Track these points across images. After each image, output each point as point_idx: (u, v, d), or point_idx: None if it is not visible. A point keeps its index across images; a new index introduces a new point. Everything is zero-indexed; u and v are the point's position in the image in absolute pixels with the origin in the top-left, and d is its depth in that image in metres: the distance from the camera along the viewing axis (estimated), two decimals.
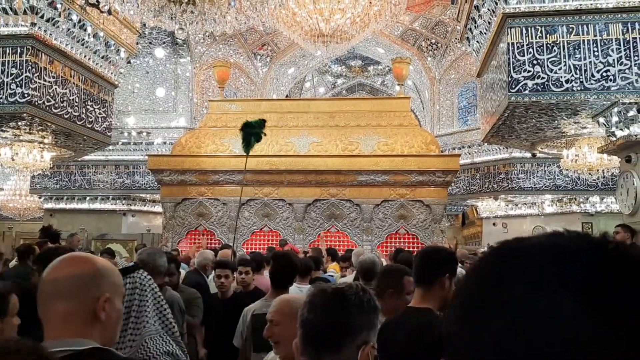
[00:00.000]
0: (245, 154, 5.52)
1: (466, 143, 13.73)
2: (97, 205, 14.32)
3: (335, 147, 9.21)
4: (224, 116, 9.94)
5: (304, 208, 9.23)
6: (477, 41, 7.52)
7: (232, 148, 9.20)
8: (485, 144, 12.53)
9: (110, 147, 13.65)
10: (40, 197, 13.86)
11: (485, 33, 7.15)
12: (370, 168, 8.92)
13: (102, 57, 8.17)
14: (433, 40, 14.40)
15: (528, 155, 11.63)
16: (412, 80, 15.87)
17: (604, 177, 9.88)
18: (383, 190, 9.03)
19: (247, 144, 5.07)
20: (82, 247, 8.80)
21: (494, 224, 14.47)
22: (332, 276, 5.47)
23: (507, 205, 13.94)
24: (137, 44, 13.09)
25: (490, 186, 13.04)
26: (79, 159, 12.73)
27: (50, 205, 14.06)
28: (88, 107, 8.04)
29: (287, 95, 17.30)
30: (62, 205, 14.25)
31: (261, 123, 5.06)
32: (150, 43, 13.65)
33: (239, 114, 9.81)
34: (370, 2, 10.03)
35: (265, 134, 5.08)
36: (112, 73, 8.63)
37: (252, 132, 5.06)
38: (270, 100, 12.74)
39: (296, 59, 16.09)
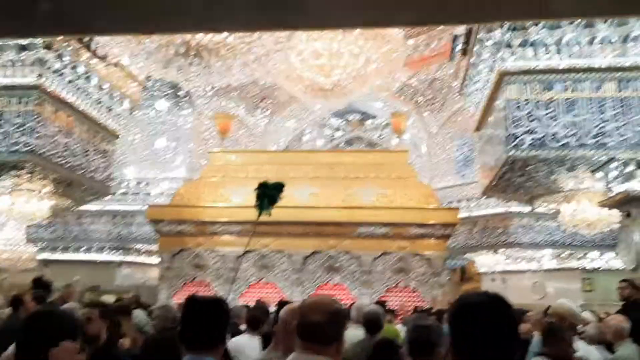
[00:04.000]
0: (259, 211, 5.09)
1: (464, 197, 13.76)
2: (92, 256, 14.13)
3: (335, 199, 9.21)
4: (223, 167, 9.98)
5: (302, 260, 9.13)
6: (475, 97, 7.69)
7: (232, 198, 9.19)
8: (483, 197, 12.58)
9: (108, 197, 13.68)
10: (35, 247, 13.68)
11: (483, 89, 7.33)
12: (369, 220, 8.90)
13: (106, 108, 8.28)
14: (430, 96, 14.71)
15: (526, 209, 11.65)
16: (409, 134, 16.09)
17: (602, 232, 9.86)
18: (383, 242, 8.97)
19: (260, 206, 4.72)
20: (75, 298, 8.62)
21: (492, 280, 14.27)
22: None
23: (506, 260, 13.82)
24: None
25: (488, 240, 12.97)
26: (76, 209, 12.68)
27: (44, 255, 13.83)
28: (89, 156, 8.09)
29: (286, 148, 17.47)
30: (57, 256, 14.04)
31: (279, 186, 4.76)
32: (152, 95, 13.88)
33: (239, 165, 9.88)
34: (370, 60, 10.29)
35: (281, 198, 4.75)
36: (114, 123, 8.73)
37: (266, 194, 4.74)
38: (270, 152, 12.86)
39: (296, 112, 16.35)
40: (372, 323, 3.57)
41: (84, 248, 14.13)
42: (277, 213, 9.14)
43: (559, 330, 3.32)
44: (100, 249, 14.15)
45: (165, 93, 13.98)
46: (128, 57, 4.69)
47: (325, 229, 9.07)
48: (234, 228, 9.12)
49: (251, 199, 9.38)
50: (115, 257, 14.28)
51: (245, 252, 9.17)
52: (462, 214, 12.60)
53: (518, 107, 6.23)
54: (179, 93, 13.93)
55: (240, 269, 9.32)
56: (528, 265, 13.48)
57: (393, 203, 9.04)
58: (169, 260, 9.42)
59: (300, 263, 9.11)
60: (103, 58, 7.07)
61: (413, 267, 8.95)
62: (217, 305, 2.20)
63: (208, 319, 2.09)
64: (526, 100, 6.24)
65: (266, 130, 15.91)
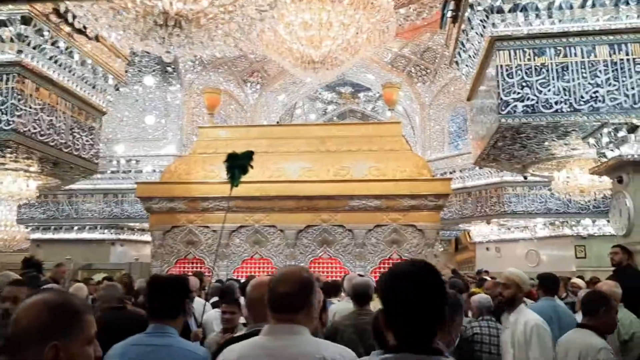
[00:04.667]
0: (231, 187, 4.94)
1: (457, 167, 13.72)
2: (85, 235, 14.10)
3: (327, 173, 9.13)
4: (213, 143, 9.85)
5: (295, 234, 9.09)
6: (466, 65, 7.55)
7: (222, 174, 9.08)
8: (477, 167, 12.54)
9: (99, 176, 13.52)
10: (27, 228, 13.60)
11: (474, 57, 7.19)
12: (362, 193, 8.84)
13: (90, 85, 8.10)
14: (422, 66, 14.52)
15: (519, 178, 11.61)
16: (402, 106, 15.96)
17: (595, 199, 9.86)
18: (375, 215, 8.93)
19: (232, 177, 4.56)
20: (67, 277, 8.59)
21: (487, 249, 14.37)
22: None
23: (500, 230, 13.87)
24: (127, 72, 13.12)
25: (482, 210, 12.98)
26: (67, 188, 12.56)
27: (37, 235, 13.80)
28: (75, 134, 7.94)
29: (277, 122, 17.31)
30: (49, 236, 14.01)
31: (248, 155, 4.61)
32: (139, 71, 13.65)
33: (229, 141, 9.74)
34: (360, 30, 10.10)
35: (252, 167, 4.61)
36: (100, 100, 8.55)
37: (237, 165, 4.60)
38: (261, 126, 12.69)
39: (287, 86, 16.15)
40: (360, 295, 3.53)
41: (77, 227, 14.08)
42: (269, 188, 9.14)
43: (601, 300, 3.32)
44: (94, 228, 14.11)
45: (153, 69, 13.75)
46: (106, 31, 4.52)
47: (318, 202, 9.02)
48: (224, 204, 9.03)
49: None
50: (109, 235, 14.26)
51: (235, 230, 9.15)
52: (456, 185, 12.60)
53: (509, 73, 6.11)
54: (167, 69, 13.70)
55: (234, 244, 9.31)
56: (522, 233, 13.54)
57: (385, 175, 8.97)
58: (161, 237, 9.36)
59: (293, 237, 9.08)
60: (82, 32, 6.86)
61: (407, 239, 8.93)
62: (176, 282, 2.57)
63: (169, 294, 2.43)
64: (518, 66, 6.11)
65: (257, 104, 15.72)
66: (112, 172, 13.78)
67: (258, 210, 9.18)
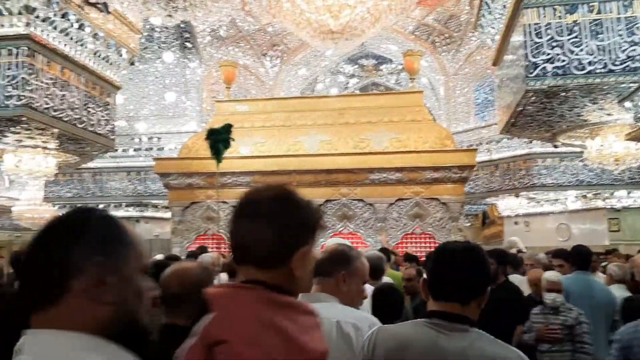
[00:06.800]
0: (217, 163, 4.78)
1: (484, 139, 13.26)
2: (110, 213, 14.19)
3: (346, 145, 8.86)
4: (231, 117, 9.61)
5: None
6: (492, 27, 7.12)
7: (240, 149, 8.90)
8: (504, 139, 12.09)
9: (122, 154, 13.58)
10: (54, 206, 13.79)
11: (499, 18, 6.76)
12: (382, 166, 8.54)
13: (103, 59, 7.95)
14: (447, 35, 13.98)
15: (549, 149, 11.16)
16: (426, 77, 15.47)
17: (630, 170, 9.38)
18: (397, 188, 8.64)
19: (217, 152, 4.43)
20: None
21: (515, 223, 13.94)
22: None
23: (529, 203, 13.41)
24: (145, 48, 12.99)
25: (510, 183, 12.53)
26: (92, 166, 12.63)
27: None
28: (90, 109, 7.83)
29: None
30: None
31: (227, 128, 4.48)
32: (158, 47, 13.50)
33: (246, 115, 9.55)
34: None
35: (233, 139, 4.47)
36: (114, 75, 8.41)
37: (219, 139, 4.47)
38: (278, 99, 12.40)
39: (308, 59, 15.81)
40: (373, 269, 3.32)
41: (102, 205, 14.19)
42: (287, 162, 8.93)
43: None
44: (118, 205, 14.21)
45: (172, 45, 13.58)
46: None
47: (337, 176, 8.77)
48: (243, 179, 8.88)
49: (260, 148, 9.16)
50: (134, 212, 14.36)
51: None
52: (482, 157, 12.17)
53: (538, 33, 5.69)
54: (186, 44, 13.51)
55: None
56: (552, 207, 13.08)
57: (407, 147, 8.65)
58: (180, 213, 9.28)
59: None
60: (92, 4, 6.68)
61: (430, 213, 8.63)
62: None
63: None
64: (547, 25, 5.69)
65: (277, 79, 15.44)
66: (135, 149, 13.80)
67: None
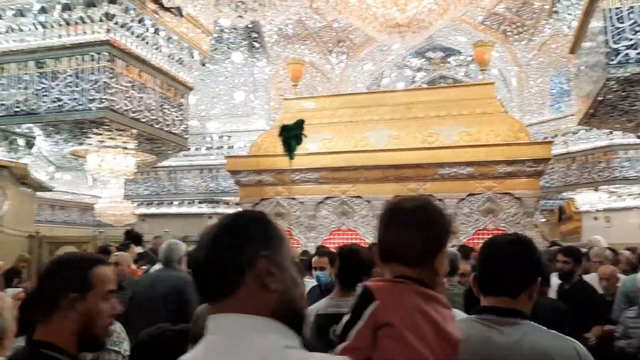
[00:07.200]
0: (290, 159, 4.82)
1: (560, 131, 12.66)
2: (184, 210, 14.82)
3: (414, 140, 8.73)
4: (298, 114, 9.68)
5: (382, 205, 8.81)
6: (569, 13, 6.78)
7: (308, 146, 9.00)
8: (582, 131, 11.50)
9: (195, 152, 14.12)
10: (133, 203, 14.54)
11: (576, 3, 6.42)
12: (452, 160, 8.35)
13: (177, 61, 8.27)
14: (519, 23, 13.44)
15: (632, 140, 10.48)
16: (497, 68, 14.96)
17: None
18: (467, 183, 8.43)
19: (289, 149, 4.49)
20: None
21: (595, 218, 13.21)
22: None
23: (610, 197, 12.67)
24: (215, 49, 13.40)
25: (589, 177, 11.90)
26: (167, 165, 13.20)
27: (141, 210, 14.70)
28: (165, 110, 8.18)
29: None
30: (152, 210, 14.87)
31: (299, 124, 4.51)
32: (228, 48, 13.88)
33: (313, 111, 9.62)
34: None
35: (305, 135, 4.49)
36: (187, 76, 8.74)
37: (291, 135, 4.52)
38: (345, 95, 12.41)
39: (373, 54, 15.72)
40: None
41: (177, 202, 14.83)
42: (354, 158, 8.93)
43: None
44: (192, 202, 14.78)
45: (241, 45, 13.91)
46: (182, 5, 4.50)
47: (406, 172, 8.66)
48: (311, 175, 8.97)
49: (328, 144, 9.21)
50: (206, 209, 14.88)
51: (321, 202, 9.05)
52: (559, 150, 11.62)
53: (620, 17, 5.36)
54: (254, 44, 13.80)
55: (321, 216, 9.25)
56: (635, 201, 12.29)
57: (478, 140, 8.40)
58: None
59: (380, 208, 8.81)
60: (166, 8, 6.97)
61: (503, 208, 8.35)
62: None
63: None
64: (630, 8, 5.34)
65: (343, 75, 15.45)
66: (207, 148, 14.30)
67: (344, 181, 9.02)
